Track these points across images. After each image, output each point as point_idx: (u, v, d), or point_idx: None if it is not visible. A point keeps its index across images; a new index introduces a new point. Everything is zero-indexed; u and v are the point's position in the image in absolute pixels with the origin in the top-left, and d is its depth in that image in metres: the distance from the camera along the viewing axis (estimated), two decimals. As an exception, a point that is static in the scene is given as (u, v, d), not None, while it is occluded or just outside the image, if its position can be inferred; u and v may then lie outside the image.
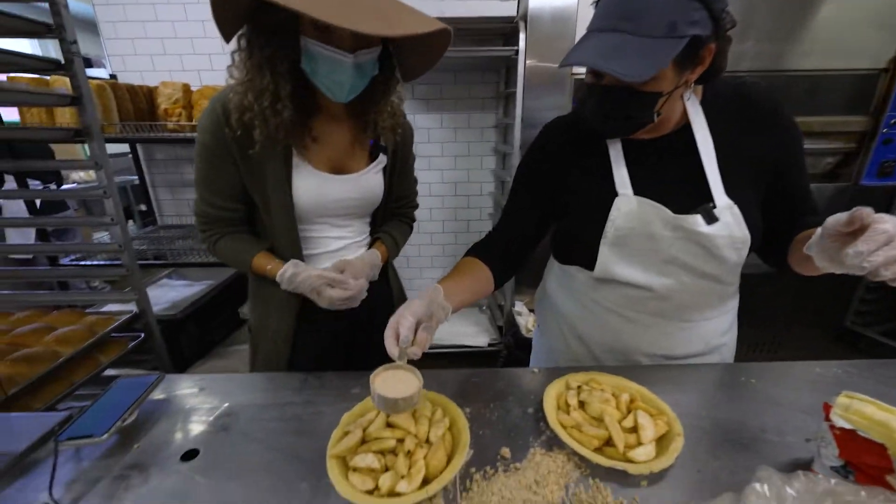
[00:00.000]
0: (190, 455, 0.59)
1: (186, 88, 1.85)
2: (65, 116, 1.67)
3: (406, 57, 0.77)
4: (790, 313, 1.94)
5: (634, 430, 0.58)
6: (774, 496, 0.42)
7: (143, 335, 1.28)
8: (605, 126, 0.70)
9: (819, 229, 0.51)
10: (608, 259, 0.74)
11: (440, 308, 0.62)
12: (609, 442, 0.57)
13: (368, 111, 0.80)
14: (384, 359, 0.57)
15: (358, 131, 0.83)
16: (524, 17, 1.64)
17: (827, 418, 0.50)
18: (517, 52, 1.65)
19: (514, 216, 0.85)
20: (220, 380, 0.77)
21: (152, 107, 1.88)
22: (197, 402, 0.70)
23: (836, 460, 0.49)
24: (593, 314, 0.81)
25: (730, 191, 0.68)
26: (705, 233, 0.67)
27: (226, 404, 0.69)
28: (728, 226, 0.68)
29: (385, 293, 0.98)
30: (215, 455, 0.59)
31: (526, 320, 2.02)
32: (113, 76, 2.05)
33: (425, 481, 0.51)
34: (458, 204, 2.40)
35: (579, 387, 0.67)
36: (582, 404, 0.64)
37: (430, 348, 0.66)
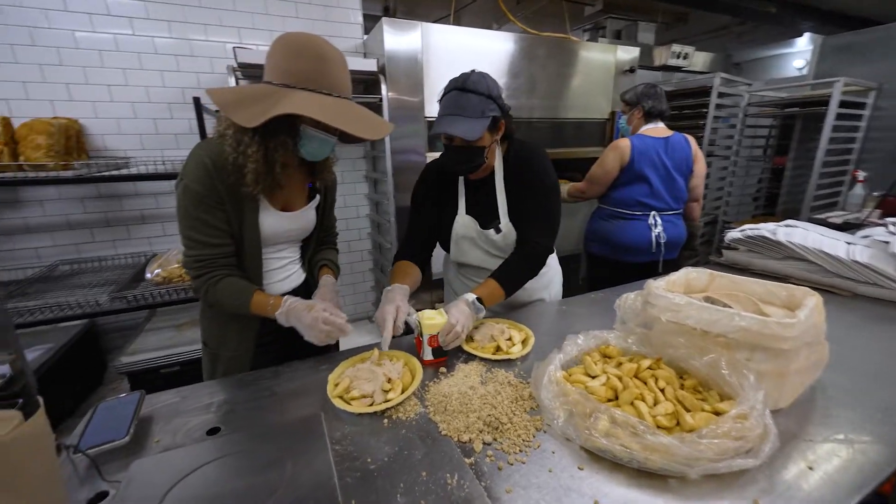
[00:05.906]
0: (213, 431, 0.73)
1: (6, 122, 1.60)
2: None
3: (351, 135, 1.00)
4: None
5: (510, 339, 1.00)
6: (573, 342, 0.88)
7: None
8: (459, 169, 1.15)
9: None
10: (455, 250, 1.28)
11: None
12: (498, 349, 0.98)
13: (320, 164, 1.06)
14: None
15: (304, 178, 1.07)
16: (382, 72, 2.05)
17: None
18: (381, 99, 2.03)
19: (417, 229, 1.26)
20: (196, 388, 0.88)
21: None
22: (187, 404, 0.81)
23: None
24: (461, 282, 1.35)
25: (511, 215, 1.19)
26: (494, 239, 1.21)
27: (219, 397, 0.83)
28: (506, 235, 1.20)
29: None
30: (236, 428, 0.75)
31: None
32: None
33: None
34: (338, 227, 2.61)
35: (476, 327, 1.07)
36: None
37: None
